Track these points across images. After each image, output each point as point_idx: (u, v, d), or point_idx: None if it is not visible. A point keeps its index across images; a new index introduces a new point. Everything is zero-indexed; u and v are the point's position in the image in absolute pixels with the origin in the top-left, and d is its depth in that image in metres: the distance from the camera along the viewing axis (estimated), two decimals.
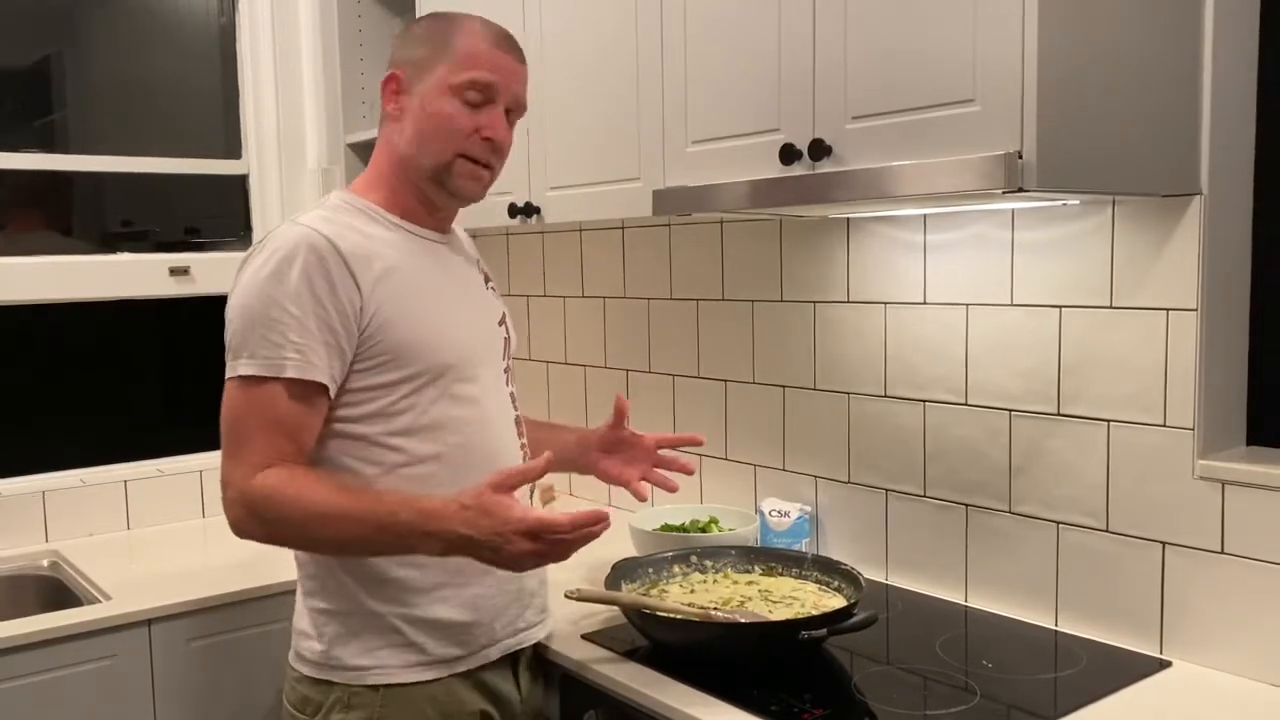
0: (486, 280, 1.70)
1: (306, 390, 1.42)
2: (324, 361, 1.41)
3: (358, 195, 1.55)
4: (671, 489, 1.80)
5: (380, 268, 1.46)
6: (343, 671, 1.50)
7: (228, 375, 1.44)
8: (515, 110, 1.57)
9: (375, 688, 1.49)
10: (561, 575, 2.06)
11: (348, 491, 1.42)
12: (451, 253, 1.63)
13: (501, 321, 1.68)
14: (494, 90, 1.51)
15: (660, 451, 1.82)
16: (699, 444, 1.85)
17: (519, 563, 1.39)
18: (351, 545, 1.43)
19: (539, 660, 1.71)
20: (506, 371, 1.66)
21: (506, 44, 1.55)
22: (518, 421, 1.65)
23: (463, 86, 1.48)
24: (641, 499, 1.82)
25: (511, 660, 1.63)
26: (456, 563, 1.48)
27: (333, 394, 1.45)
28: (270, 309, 1.40)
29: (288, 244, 1.42)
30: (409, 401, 1.48)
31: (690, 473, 1.82)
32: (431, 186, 1.54)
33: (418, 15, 2.49)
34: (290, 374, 1.40)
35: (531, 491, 1.67)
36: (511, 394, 1.66)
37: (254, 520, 1.41)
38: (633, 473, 1.81)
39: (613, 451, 1.83)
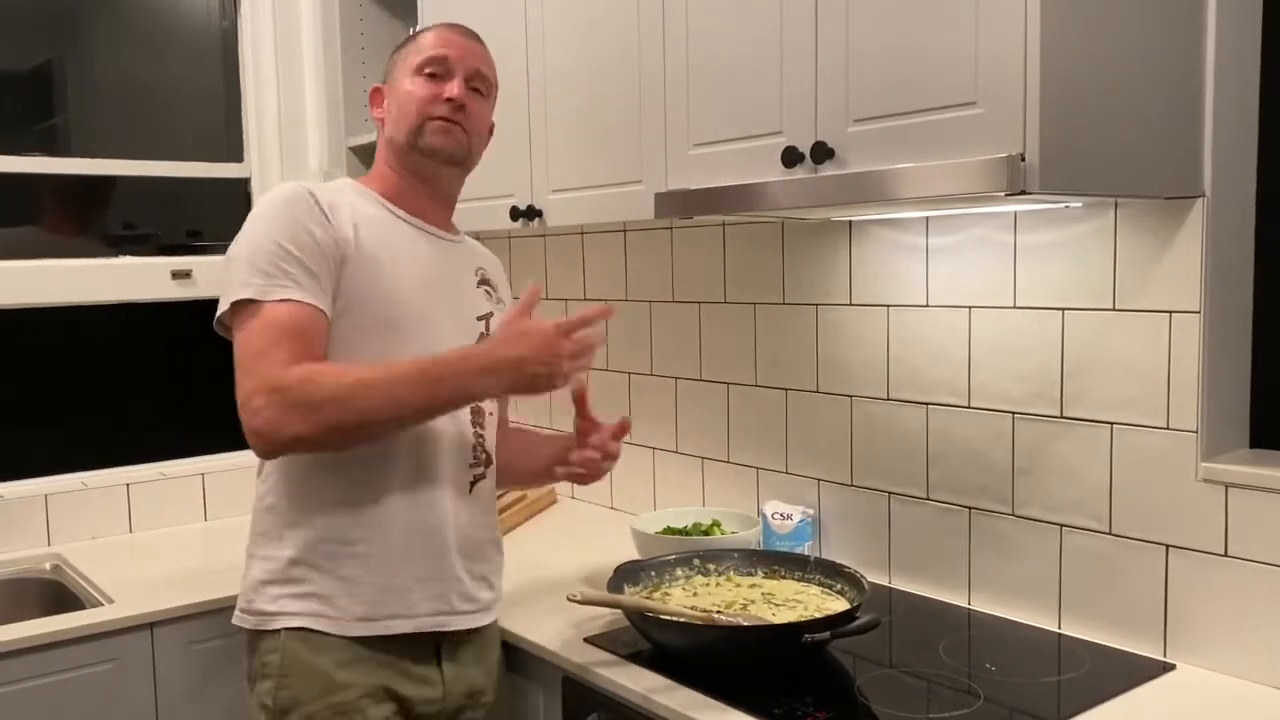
0: (481, 282, 1.73)
1: (310, 312, 1.49)
2: (314, 289, 1.50)
3: (358, 182, 1.68)
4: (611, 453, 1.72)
5: (352, 222, 1.55)
6: (257, 617, 1.57)
7: (226, 304, 1.49)
8: (480, 85, 1.68)
9: (277, 632, 1.55)
10: (563, 578, 2.06)
11: (388, 362, 1.48)
12: (448, 247, 1.70)
13: (482, 318, 1.69)
14: (448, 63, 1.64)
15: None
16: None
17: (563, 368, 1.47)
18: (405, 404, 1.46)
19: (478, 650, 1.67)
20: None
21: (457, 28, 1.69)
22: (478, 412, 1.65)
23: (421, 66, 1.63)
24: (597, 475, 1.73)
25: (434, 644, 1.61)
26: (384, 525, 1.55)
27: (328, 320, 1.51)
28: (265, 243, 1.49)
29: (278, 194, 1.55)
30: (358, 353, 1.52)
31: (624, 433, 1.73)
32: (413, 156, 1.65)
33: (419, 18, 2.50)
34: (286, 295, 1.47)
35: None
36: None
37: (295, 410, 1.42)
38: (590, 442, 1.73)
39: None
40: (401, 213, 1.65)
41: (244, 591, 1.60)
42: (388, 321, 1.55)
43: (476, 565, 1.65)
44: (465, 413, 1.63)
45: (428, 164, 1.65)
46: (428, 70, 1.63)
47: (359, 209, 1.59)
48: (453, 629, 1.62)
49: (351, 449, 1.51)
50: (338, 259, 1.52)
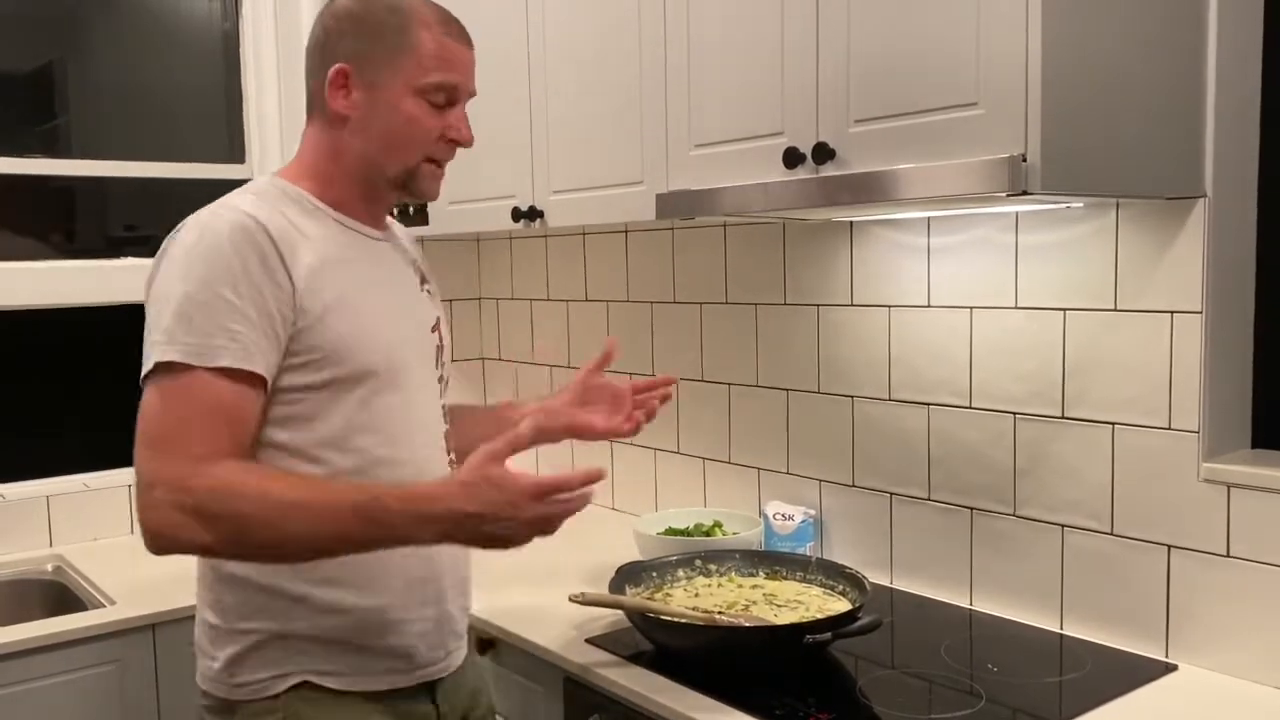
0: (423, 282, 1.56)
1: (244, 381, 1.28)
2: (261, 352, 1.29)
3: (290, 182, 1.44)
4: (653, 412, 1.67)
5: (310, 260, 1.35)
6: (245, 688, 1.38)
7: (149, 364, 1.27)
8: (469, 99, 1.49)
9: (276, 696, 1.37)
10: (565, 579, 2.06)
11: (316, 482, 1.30)
12: (387, 250, 1.51)
13: (435, 328, 1.53)
14: (459, 91, 1.44)
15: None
16: (672, 383, 1.70)
17: (524, 533, 1.27)
18: (327, 541, 1.27)
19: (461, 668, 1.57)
20: (440, 381, 1.53)
21: (461, 35, 1.46)
22: (446, 437, 1.52)
23: (429, 89, 1.41)
24: (634, 432, 1.65)
25: (429, 687, 1.48)
26: (382, 583, 1.40)
27: (268, 389, 1.32)
28: (203, 293, 1.27)
29: (219, 226, 1.31)
30: (333, 407, 1.36)
31: (668, 397, 1.69)
32: (391, 189, 1.47)
33: None
34: (226, 362, 1.26)
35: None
36: (443, 407, 1.53)
37: (201, 519, 1.22)
38: (619, 419, 1.66)
39: (589, 404, 1.69)
40: (341, 216, 1.44)
41: (217, 664, 1.39)
42: (354, 373, 1.37)
43: (462, 599, 1.54)
44: (439, 443, 1.50)
45: (402, 197, 1.48)
46: (434, 96, 1.41)
47: (305, 231, 1.37)
48: (450, 670, 1.51)
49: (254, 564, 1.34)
50: (291, 314, 1.31)
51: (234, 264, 1.29)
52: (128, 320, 2.61)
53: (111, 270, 2.60)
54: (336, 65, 1.40)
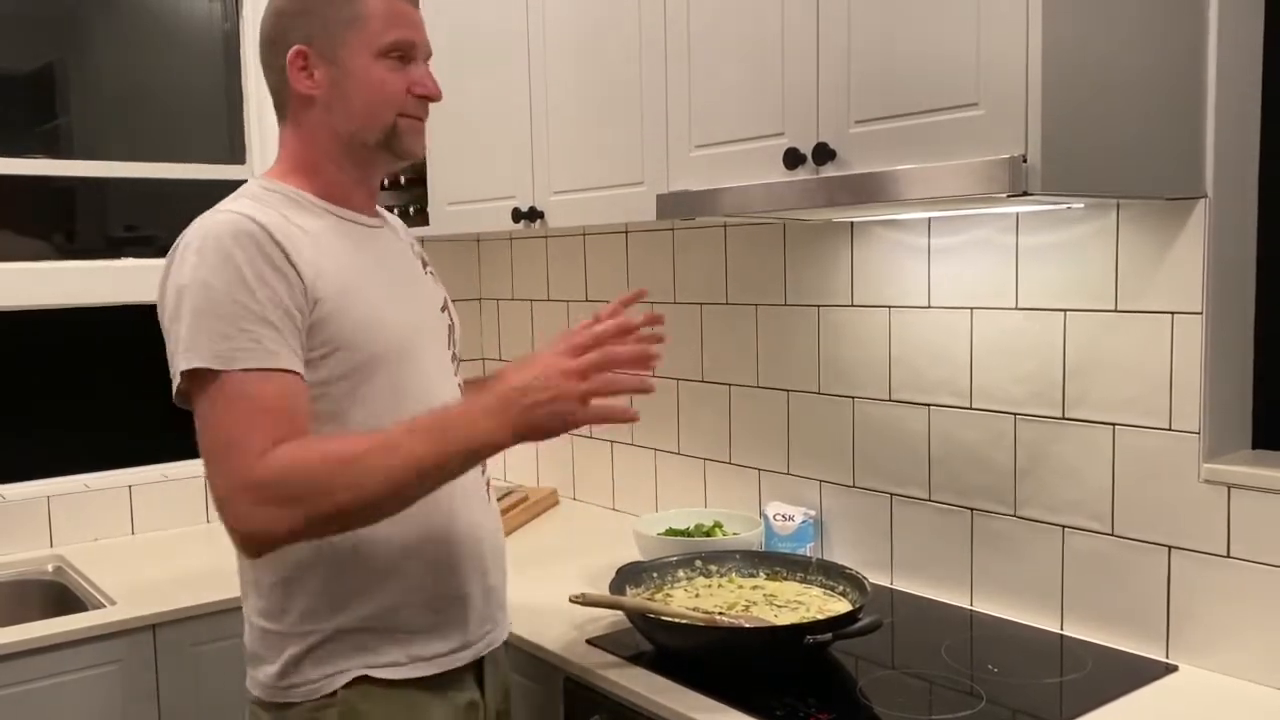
0: (425, 265, 1.59)
1: (283, 379, 1.30)
2: (286, 348, 1.31)
3: (279, 181, 1.47)
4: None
5: (312, 254, 1.36)
6: (306, 688, 1.40)
7: (177, 374, 1.31)
8: (428, 57, 1.50)
9: (334, 693, 1.39)
10: (565, 579, 2.06)
11: (371, 431, 1.30)
12: (385, 238, 1.53)
13: (444, 308, 1.57)
14: (415, 48, 1.45)
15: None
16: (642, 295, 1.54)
17: (570, 387, 1.25)
18: (401, 472, 1.25)
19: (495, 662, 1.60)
20: (454, 360, 1.56)
21: None
22: None
23: (387, 49, 1.42)
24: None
25: (476, 669, 1.52)
26: (427, 562, 1.42)
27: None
28: (217, 299, 1.29)
29: (222, 231, 1.32)
30: (357, 396, 1.38)
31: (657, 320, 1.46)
32: (379, 154, 1.47)
33: None
34: (251, 364, 1.28)
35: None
36: (460, 384, 1.55)
37: (279, 506, 1.24)
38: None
39: None
40: (335, 208, 1.46)
41: (274, 668, 1.40)
42: (373, 356, 1.39)
43: (502, 570, 1.57)
44: None
45: (390, 160, 1.49)
46: (393, 55, 1.42)
47: (304, 226, 1.39)
48: (499, 642, 1.55)
49: (357, 531, 1.34)
50: (306, 307, 1.33)
51: (244, 267, 1.30)
52: (128, 320, 2.64)
53: (112, 270, 2.60)
54: (294, 48, 1.41)
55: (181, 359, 1.30)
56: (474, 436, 1.27)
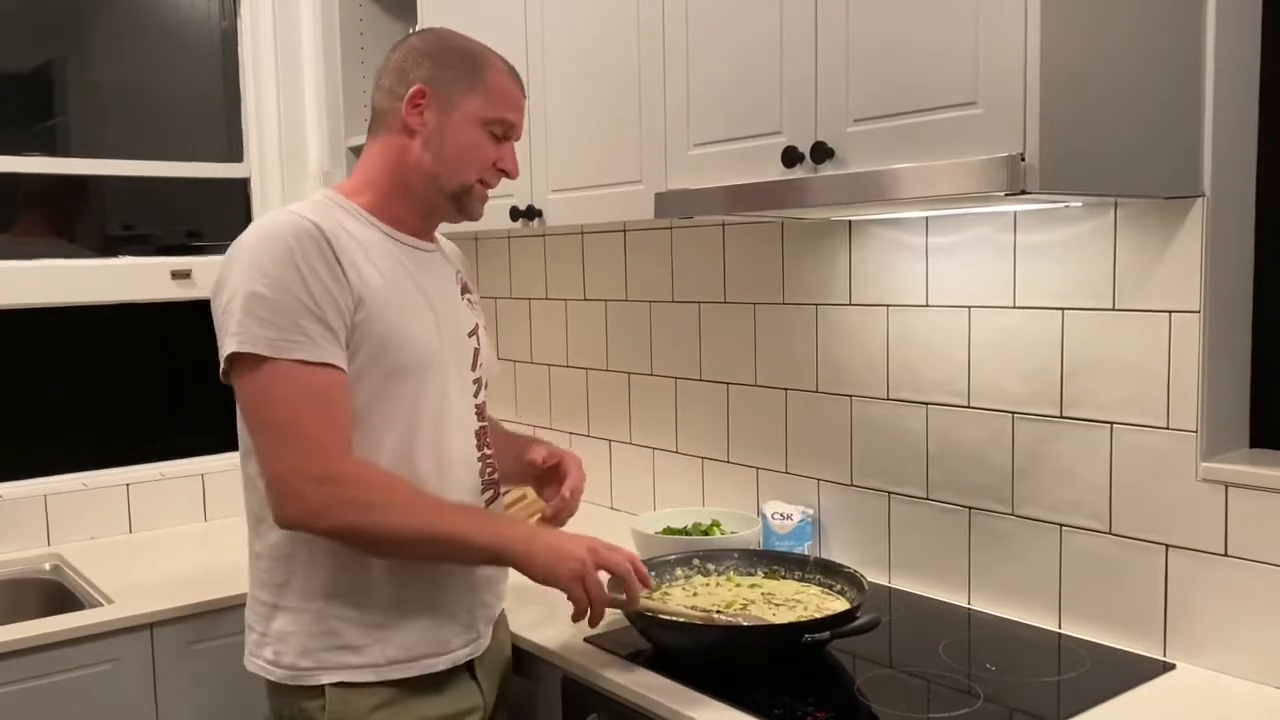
0: (464, 291, 1.70)
1: (334, 376, 1.42)
2: (333, 344, 1.42)
3: (343, 196, 1.58)
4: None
5: (360, 262, 1.48)
6: (290, 671, 1.49)
7: (230, 351, 1.39)
8: (518, 139, 1.66)
9: (318, 687, 1.48)
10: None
11: (423, 493, 1.48)
12: (432, 261, 1.64)
13: (472, 333, 1.67)
14: (514, 129, 1.62)
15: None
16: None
17: (581, 553, 1.49)
18: (443, 533, 1.44)
19: (497, 645, 1.69)
20: (476, 383, 1.66)
21: (520, 85, 1.64)
22: (480, 434, 1.65)
23: (493, 122, 1.58)
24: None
25: (473, 666, 1.60)
26: (414, 568, 1.51)
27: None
28: (273, 291, 1.39)
29: (281, 230, 1.43)
30: (377, 400, 1.48)
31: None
32: (446, 203, 1.60)
33: (419, 19, 2.49)
34: (303, 355, 1.39)
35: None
36: (478, 405, 1.66)
37: (347, 506, 1.38)
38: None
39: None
40: (390, 229, 1.58)
41: (265, 640, 1.52)
42: (399, 367, 1.49)
43: (496, 585, 1.65)
44: (470, 439, 1.61)
45: (452, 214, 1.62)
46: (494, 128, 1.58)
47: (356, 236, 1.50)
48: (482, 651, 1.62)
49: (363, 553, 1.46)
50: (351, 308, 1.44)
51: (301, 265, 1.40)
52: (126, 319, 2.63)
53: (109, 269, 2.60)
54: (415, 86, 1.55)
55: (232, 341, 1.39)
56: (504, 538, 1.49)
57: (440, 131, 1.56)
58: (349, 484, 1.39)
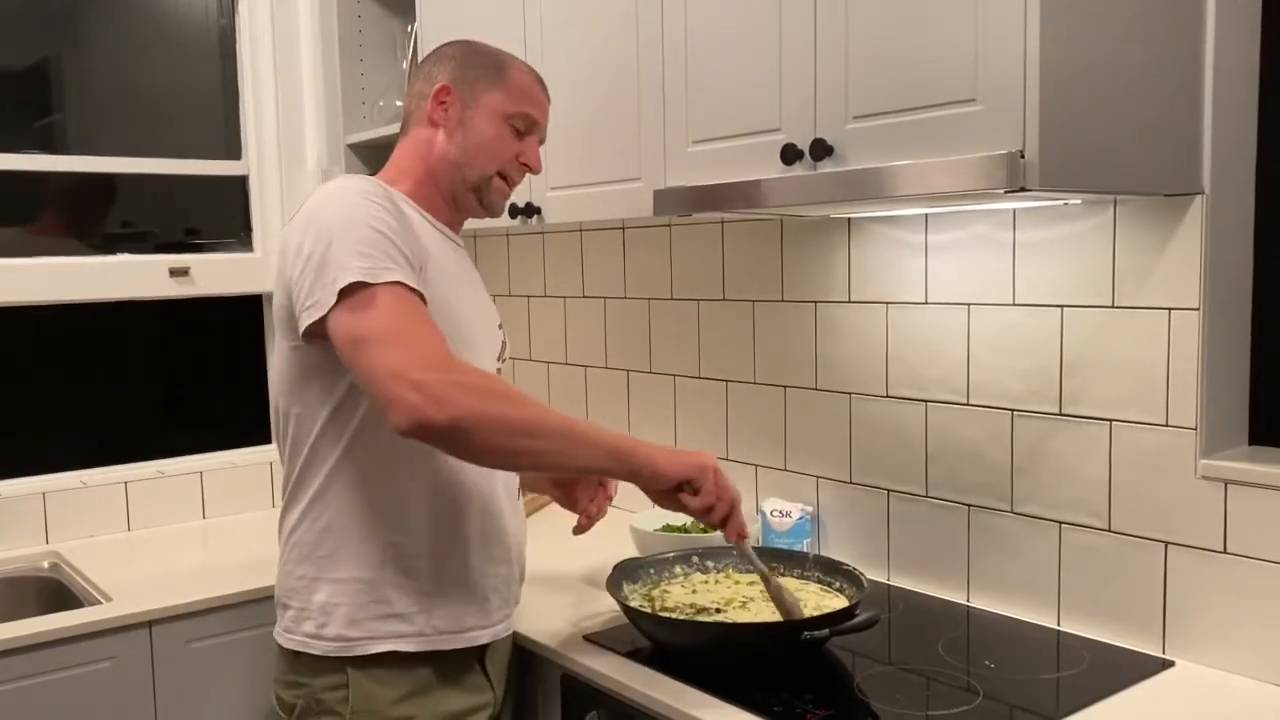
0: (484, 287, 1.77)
1: (424, 304, 1.42)
2: (419, 282, 1.44)
3: (387, 185, 1.59)
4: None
5: (419, 234, 1.53)
6: (336, 643, 1.51)
7: (343, 285, 1.37)
8: (542, 141, 1.72)
9: (343, 664, 1.51)
10: (562, 576, 2.06)
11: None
12: (464, 255, 1.70)
13: (500, 326, 1.74)
14: (536, 125, 1.67)
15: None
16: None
17: (711, 484, 1.53)
18: (568, 427, 1.43)
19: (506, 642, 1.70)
20: (500, 374, 1.69)
21: (545, 89, 1.70)
22: None
23: (514, 116, 1.63)
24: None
25: (479, 654, 1.61)
26: (463, 537, 1.55)
27: None
28: (369, 231, 1.41)
29: (352, 186, 1.48)
30: None
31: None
32: (468, 195, 1.64)
33: (418, 18, 2.49)
34: (398, 277, 1.39)
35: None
36: None
37: (469, 392, 1.33)
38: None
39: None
40: (434, 219, 1.63)
41: (305, 614, 1.53)
42: (447, 334, 1.45)
43: (523, 565, 1.70)
44: None
45: (474, 205, 1.66)
46: (516, 123, 1.64)
47: (406, 215, 1.53)
48: (509, 633, 1.67)
49: (470, 461, 1.45)
50: (420, 264, 1.47)
51: (379, 210, 1.44)
52: (124, 317, 2.63)
53: (108, 266, 2.59)
54: (441, 82, 1.63)
55: (330, 283, 1.37)
56: (621, 437, 1.49)
57: (463, 124, 1.62)
58: (468, 372, 1.37)
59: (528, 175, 1.72)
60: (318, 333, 1.40)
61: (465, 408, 1.32)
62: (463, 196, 1.65)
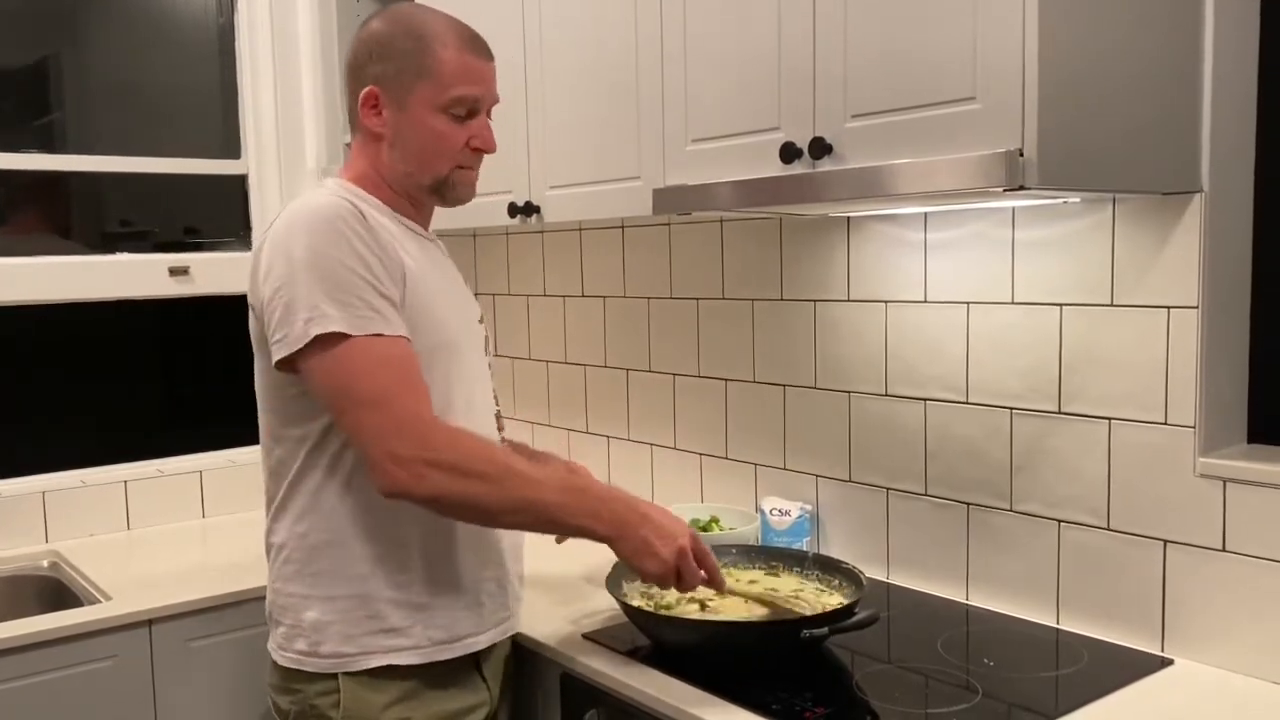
0: (465, 281, 1.74)
1: (404, 344, 1.42)
2: (399, 319, 1.43)
3: (353, 185, 1.56)
4: None
5: (394, 245, 1.48)
6: (331, 660, 1.50)
7: (317, 334, 1.36)
8: (494, 105, 1.61)
9: (334, 676, 1.49)
10: (562, 575, 2.06)
11: (513, 463, 1.47)
12: (438, 251, 1.66)
13: (481, 319, 1.71)
14: (479, 103, 1.55)
15: None
16: None
17: (668, 554, 1.48)
18: (535, 504, 1.43)
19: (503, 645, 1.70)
20: (489, 367, 1.70)
21: (479, 49, 1.56)
22: (498, 417, 1.70)
23: (451, 104, 1.52)
24: None
25: (474, 657, 1.60)
26: (453, 544, 1.53)
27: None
28: (343, 271, 1.38)
29: (330, 211, 1.42)
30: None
31: None
32: (430, 197, 1.60)
33: None
34: (377, 329, 1.39)
35: None
36: (494, 390, 1.70)
37: (444, 471, 1.36)
38: None
39: None
40: (404, 219, 1.58)
41: (297, 632, 1.51)
42: (435, 345, 1.50)
43: (518, 565, 1.67)
44: (492, 421, 1.65)
45: (438, 203, 1.61)
46: (456, 110, 1.53)
47: (384, 223, 1.50)
48: (511, 634, 1.66)
49: (453, 520, 1.49)
50: (400, 283, 1.45)
51: (354, 241, 1.40)
52: (123, 316, 2.63)
53: (107, 266, 2.59)
54: (366, 88, 1.53)
55: (314, 325, 1.36)
56: (597, 513, 1.46)
57: (400, 130, 1.53)
58: (446, 450, 1.37)
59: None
60: (290, 365, 1.41)
61: (443, 489, 1.38)
62: (424, 198, 1.59)
